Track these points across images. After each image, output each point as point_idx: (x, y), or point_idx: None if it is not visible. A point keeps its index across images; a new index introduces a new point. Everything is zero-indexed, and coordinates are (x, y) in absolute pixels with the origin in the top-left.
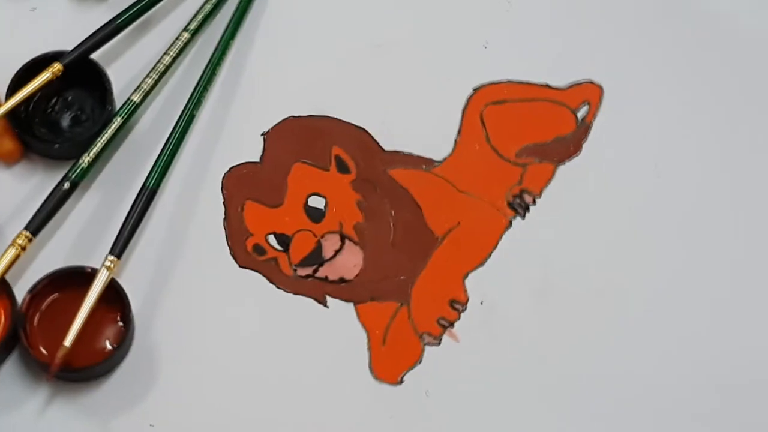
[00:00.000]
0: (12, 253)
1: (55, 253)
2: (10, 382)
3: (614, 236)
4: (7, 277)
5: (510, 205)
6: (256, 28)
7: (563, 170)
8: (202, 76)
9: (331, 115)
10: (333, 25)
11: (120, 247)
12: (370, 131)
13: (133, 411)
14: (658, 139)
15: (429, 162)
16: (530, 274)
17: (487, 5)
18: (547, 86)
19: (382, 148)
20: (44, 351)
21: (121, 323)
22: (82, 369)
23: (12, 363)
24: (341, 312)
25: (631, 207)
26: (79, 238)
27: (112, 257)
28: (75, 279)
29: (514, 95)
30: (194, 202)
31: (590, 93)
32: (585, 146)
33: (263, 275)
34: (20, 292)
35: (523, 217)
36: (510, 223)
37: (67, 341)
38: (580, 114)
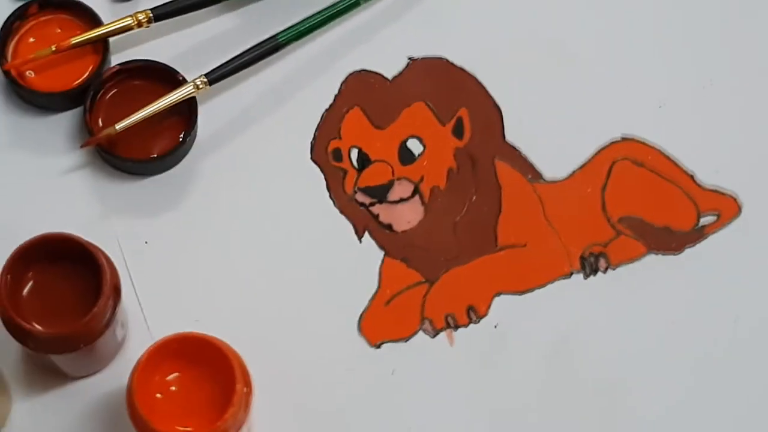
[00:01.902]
0: None
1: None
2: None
3: (648, 350)
4: None
5: (582, 258)
6: None
7: (651, 259)
8: None
9: (482, 80)
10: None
11: (217, 76)
12: (504, 114)
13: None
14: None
15: (537, 175)
16: (555, 332)
17: (690, 74)
18: (692, 177)
19: (504, 136)
20: (100, 123)
21: (181, 139)
22: (119, 157)
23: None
24: (369, 253)
25: (684, 334)
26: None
27: (204, 79)
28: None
29: (656, 166)
30: (308, 82)
31: (726, 207)
32: (687, 251)
33: (325, 179)
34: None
35: (586, 277)
36: (570, 274)
37: (119, 125)
38: (704, 220)
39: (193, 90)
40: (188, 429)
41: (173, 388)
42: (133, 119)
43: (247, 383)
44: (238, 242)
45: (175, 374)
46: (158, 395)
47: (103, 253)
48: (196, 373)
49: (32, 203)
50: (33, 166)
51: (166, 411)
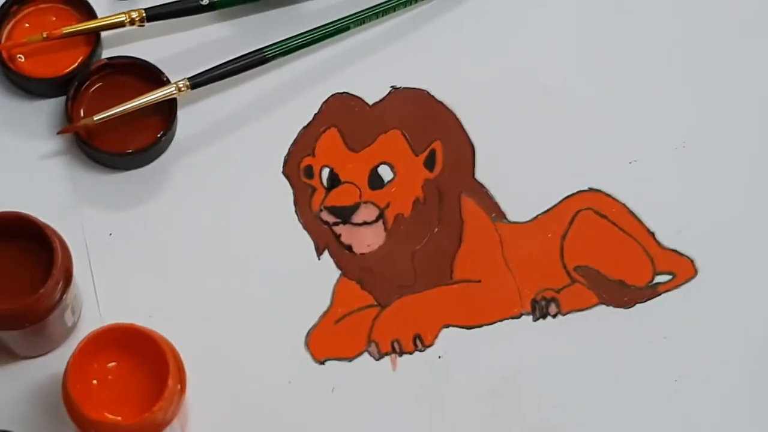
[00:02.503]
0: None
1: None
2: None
3: (588, 399)
4: None
5: (534, 301)
6: None
7: (602, 310)
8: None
9: (460, 116)
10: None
11: (199, 81)
12: (477, 152)
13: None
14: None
15: (501, 214)
16: (498, 370)
17: (666, 135)
18: (653, 235)
19: (474, 173)
20: (82, 114)
21: (157, 138)
22: (95, 148)
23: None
24: (325, 271)
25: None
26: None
27: (187, 82)
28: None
29: (619, 220)
30: (290, 98)
31: (683, 269)
32: (638, 306)
33: (294, 193)
34: None
35: (535, 319)
36: (520, 315)
37: (97, 116)
38: (659, 278)
39: (174, 91)
40: (117, 418)
41: (110, 376)
42: (111, 112)
43: (182, 381)
44: (200, 245)
45: (114, 363)
46: (94, 381)
47: (59, 236)
48: (133, 365)
49: (4, 182)
50: (12, 147)
51: (99, 398)
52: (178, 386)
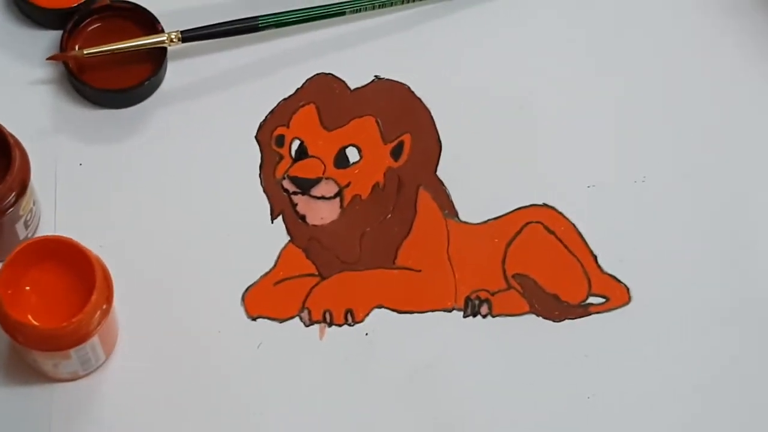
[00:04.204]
0: None
1: None
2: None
3: (499, 401)
4: None
5: (467, 298)
6: None
7: (531, 319)
8: None
9: (435, 113)
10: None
11: (191, 36)
12: (443, 150)
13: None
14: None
15: (453, 212)
16: (419, 356)
17: (628, 166)
18: (596, 258)
19: (436, 169)
20: (76, 49)
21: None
22: (82, 82)
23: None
24: (275, 235)
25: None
26: None
27: (179, 34)
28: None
29: (565, 237)
30: (276, 70)
31: (617, 294)
32: (566, 322)
33: (261, 158)
34: None
35: (465, 316)
36: (451, 309)
37: (87, 50)
38: (592, 299)
39: (165, 40)
40: (36, 324)
41: (42, 285)
42: (101, 49)
43: (108, 301)
44: (162, 189)
45: (49, 274)
46: (27, 288)
47: (21, 148)
48: (67, 278)
49: None
50: (5, 69)
51: (28, 303)
52: (104, 306)
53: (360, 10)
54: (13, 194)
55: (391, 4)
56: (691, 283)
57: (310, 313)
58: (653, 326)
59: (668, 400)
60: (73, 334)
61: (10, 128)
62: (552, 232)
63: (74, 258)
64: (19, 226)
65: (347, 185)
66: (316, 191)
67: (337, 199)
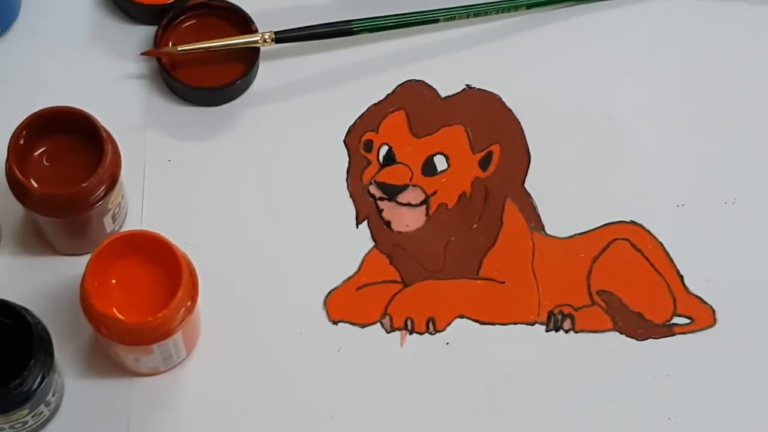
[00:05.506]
0: None
1: None
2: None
3: (579, 418)
4: None
5: (550, 312)
6: None
7: (613, 337)
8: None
9: (525, 125)
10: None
11: (284, 37)
12: (532, 162)
13: None
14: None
15: (540, 226)
16: (499, 369)
17: (719, 187)
18: (682, 279)
19: (524, 181)
20: (170, 45)
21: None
22: (174, 78)
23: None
24: (360, 240)
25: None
26: None
27: (273, 35)
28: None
29: (652, 257)
30: (368, 75)
31: (703, 316)
32: (650, 341)
33: (349, 162)
34: None
35: (548, 330)
36: (534, 323)
37: (181, 47)
38: (677, 320)
39: (258, 40)
40: (121, 317)
41: (129, 279)
42: (195, 46)
43: (193, 299)
44: (250, 189)
45: (136, 268)
46: (113, 281)
47: (113, 141)
48: (154, 274)
49: (85, 91)
50: (101, 62)
51: (113, 296)
52: (189, 303)
53: (454, 18)
54: (102, 188)
55: (486, 13)
56: None
57: (391, 319)
58: (737, 349)
59: (750, 424)
60: (157, 330)
61: (102, 121)
62: (639, 250)
63: (161, 253)
64: (107, 220)
65: (434, 193)
66: (403, 198)
67: (423, 207)
